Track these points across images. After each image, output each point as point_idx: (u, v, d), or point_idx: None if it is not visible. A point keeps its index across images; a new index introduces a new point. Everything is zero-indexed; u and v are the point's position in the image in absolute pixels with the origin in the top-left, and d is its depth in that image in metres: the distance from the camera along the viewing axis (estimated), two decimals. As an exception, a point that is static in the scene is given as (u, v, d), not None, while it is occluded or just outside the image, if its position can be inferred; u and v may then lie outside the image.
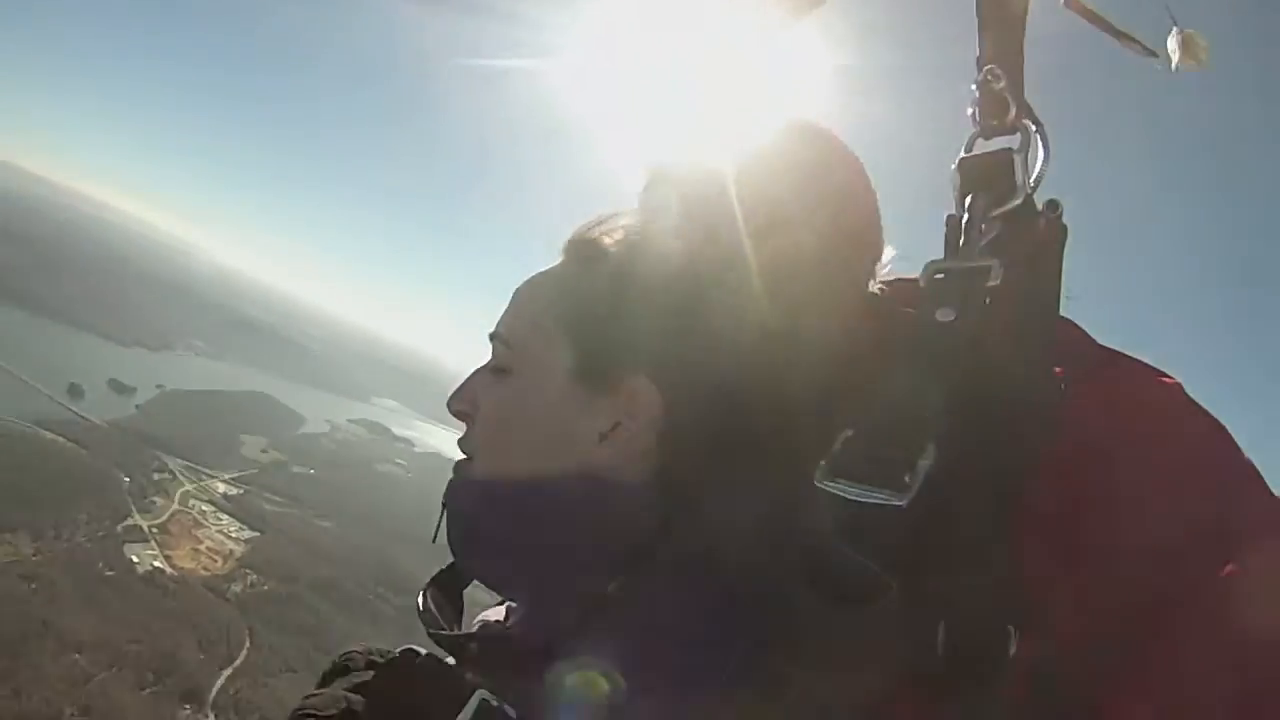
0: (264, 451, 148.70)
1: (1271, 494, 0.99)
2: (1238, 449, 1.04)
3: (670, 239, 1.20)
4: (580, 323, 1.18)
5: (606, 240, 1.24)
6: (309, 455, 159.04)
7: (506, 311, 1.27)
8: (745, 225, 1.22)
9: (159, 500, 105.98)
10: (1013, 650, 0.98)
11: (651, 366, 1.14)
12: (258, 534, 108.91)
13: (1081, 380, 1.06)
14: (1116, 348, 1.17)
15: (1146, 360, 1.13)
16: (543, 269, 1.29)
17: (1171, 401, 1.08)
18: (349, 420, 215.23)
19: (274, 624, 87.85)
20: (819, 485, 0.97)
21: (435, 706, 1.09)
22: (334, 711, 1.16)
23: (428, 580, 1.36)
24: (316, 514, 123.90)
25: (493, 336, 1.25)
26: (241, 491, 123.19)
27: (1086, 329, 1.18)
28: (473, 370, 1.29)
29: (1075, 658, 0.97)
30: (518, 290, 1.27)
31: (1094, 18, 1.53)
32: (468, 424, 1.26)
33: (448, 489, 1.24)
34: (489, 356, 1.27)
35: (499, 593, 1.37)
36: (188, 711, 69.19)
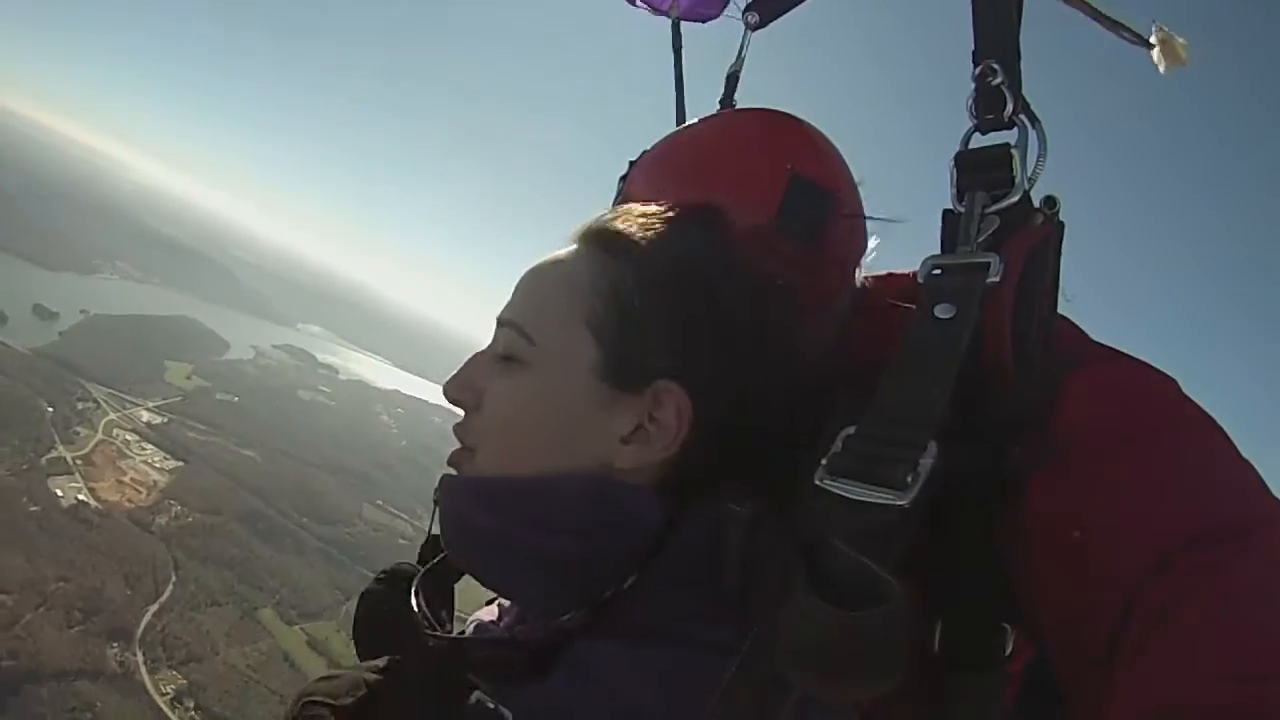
0: (188, 378, 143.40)
1: (1269, 493, 0.96)
2: (1235, 448, 1.01)
3: (691, 239, 1.17)
4: (610, 318, 1.11)
5: (633, 234, 1.18)
6: (233, 382, 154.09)
7: (519, 297, 1.19)
8: (747, 227, 1.21)
9: (83, 430, 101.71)
10: (1009, 649, 0.97)
11: (684, 370, 1.10)
12: (182, 464, 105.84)
13: (1079, 378, 1.04)
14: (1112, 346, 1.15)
15: (1142, 359, 1.11)
16: (555, 255, 1.21)
17: (1168, 400, 1.06)
18: (273, 346, 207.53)
19: (199, 556, 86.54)
20: (819, 485, 0.94)
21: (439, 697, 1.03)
22: (349, 701, 1.06)
23: (418, 577, 1.27)
24: (240, 442, 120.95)
25: (503, 323, 1.17)
26: (165, 420, 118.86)
27: (1083, 327, 1.17)
28: (473, 355, 1.21)
29: (1071, 657, 0.95)
30: (531, 276, 1.20)
31: (1086, 7, 1.51)
32: (467, 413, 1.18)
33: (443, 484, 1.16)
34: (492, 341, 1.19)
35: (498, 592, 1.31)
36: (115, 649, 68.13)
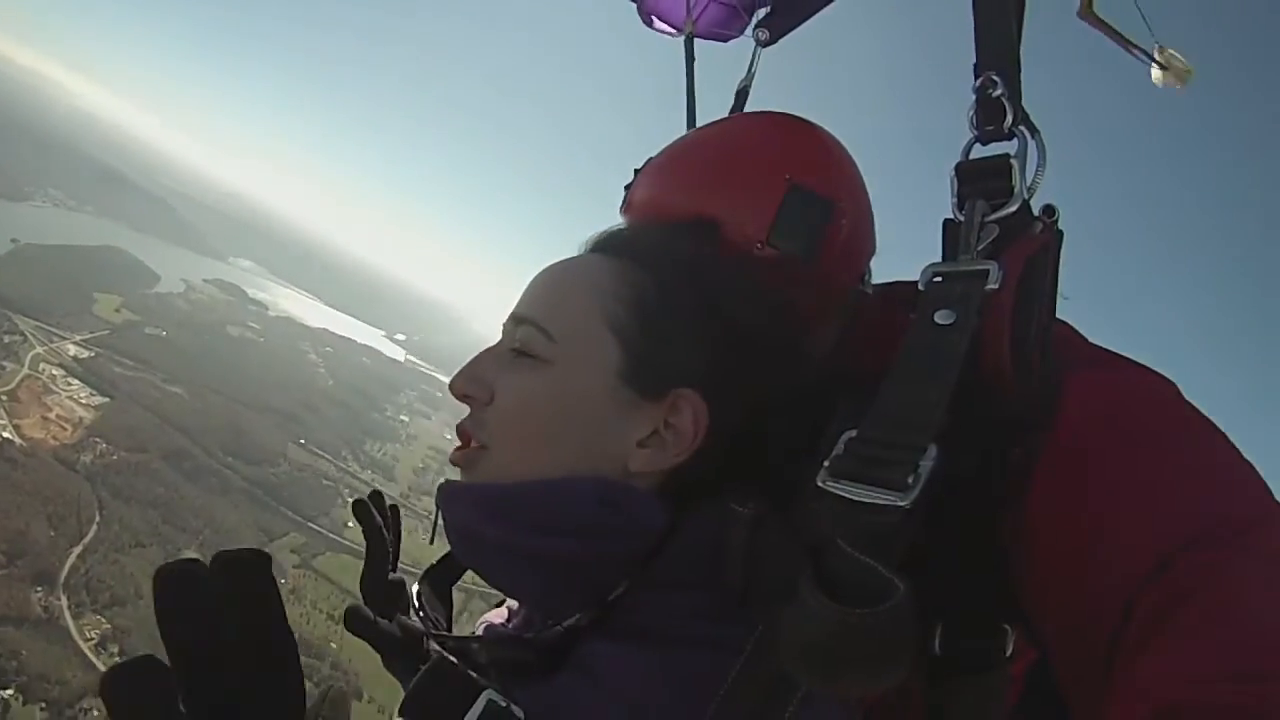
0: (117, 311, 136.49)
1: (1269, 492, 0.93)
2: (1234, 447, 0.98)
3: (703, 251, 1.17)
4: (633, 323, 1.08)
5: (652, 244, 1.17)
6: (162, 316, 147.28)
7: (538, 297, 1.14)
8: (744, 238, 1.21)
9: (8, 365, 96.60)
10: (1009, 650, 0.96)
11: (702, 378, 1.08)
12: (108, 400, 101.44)
13: (1078, 381, 1.01)
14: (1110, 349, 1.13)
15: (1141, 362, 1.08)
16: (572, 259, 1.19)
17: (1167, 402, 1.03)
18: (204, 280, 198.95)
19: (123, 495, 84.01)
20: (821, 486, 0.91)
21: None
22: None
23: (420, 576, 1.24)
24: (167, 379, 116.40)
25: (520, 320, 1.12)
26: (92, 354, 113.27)
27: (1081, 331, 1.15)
28: (481, 351, 1.15)
29: (1071, 658, 0.93)
30: (548, 277, 1.16)
31: (1104, 27, 1.52)
32: (474, 409, 1.11)
33: (443, 491, 1.10)
34: (503, 337, 1.14)
35: (504, 593, 1.29)
36: (40, 594, 66.31)
